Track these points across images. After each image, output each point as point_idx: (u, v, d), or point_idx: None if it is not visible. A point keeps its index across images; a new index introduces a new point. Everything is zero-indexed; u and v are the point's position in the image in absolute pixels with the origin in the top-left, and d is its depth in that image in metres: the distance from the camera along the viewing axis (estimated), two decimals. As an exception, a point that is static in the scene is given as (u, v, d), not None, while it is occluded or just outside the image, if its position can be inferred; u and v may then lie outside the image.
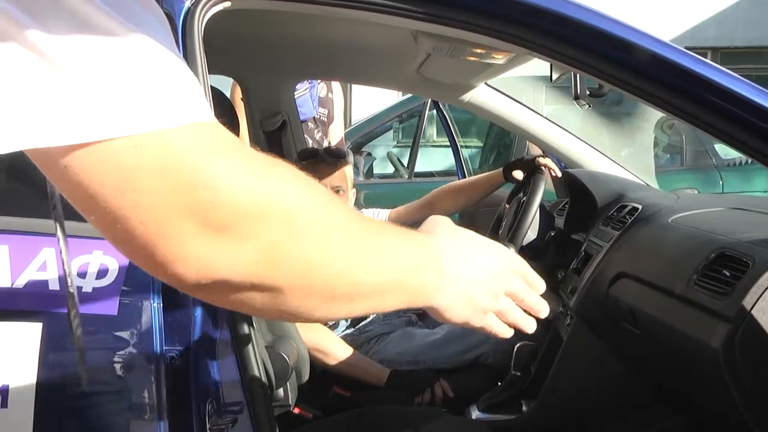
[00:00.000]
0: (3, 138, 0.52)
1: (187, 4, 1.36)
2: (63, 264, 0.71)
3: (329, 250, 0.63)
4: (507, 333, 0.88)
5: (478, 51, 2.14)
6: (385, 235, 0.73)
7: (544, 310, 0.89)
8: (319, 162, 2.59)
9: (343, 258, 0.65)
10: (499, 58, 2.24)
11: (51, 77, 0.53)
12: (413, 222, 2.88)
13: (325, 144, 4.11)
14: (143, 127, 0.54)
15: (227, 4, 1.44)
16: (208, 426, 1.16)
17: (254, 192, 0.58)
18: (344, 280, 0.65)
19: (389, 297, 0.72)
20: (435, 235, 0.81)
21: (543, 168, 2.51)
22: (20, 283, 1.12)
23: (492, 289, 0.83)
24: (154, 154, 0.55)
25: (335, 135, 4.35)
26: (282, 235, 0.60)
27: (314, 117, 4.11)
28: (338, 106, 4.37)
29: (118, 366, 1.17)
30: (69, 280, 0.75)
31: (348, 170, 2.64)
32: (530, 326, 0.89)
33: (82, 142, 0.53)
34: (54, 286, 1.13)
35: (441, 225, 0.85)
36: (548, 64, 1.86)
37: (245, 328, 1.29)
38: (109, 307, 1.16)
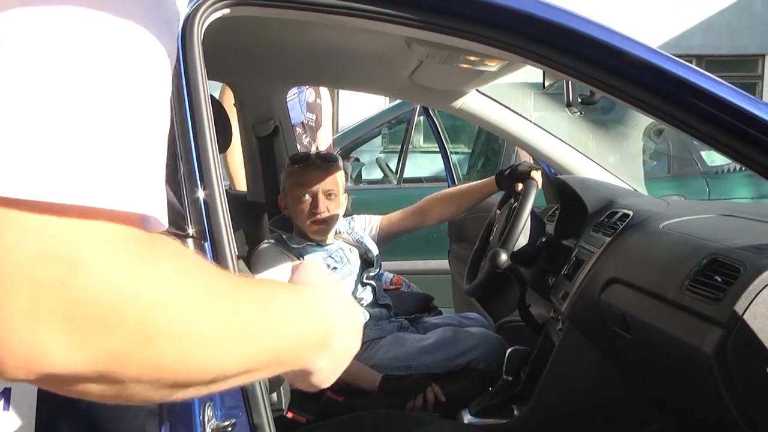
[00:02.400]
0: None
1: (187, 10, 1.37)
2: None
3: (194, 352, 0.53)
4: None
5: (471, 58, 2.16)
6: (271, 314, 0.62)
7: None
8: (310, 166, 2.60)
9: (211, 357, 0.55)
10: (492, 66, 2.26)
11: None
12: (405, 229, 2.89)
13: (314, 149, 4.11)
14: (53, 195, 0.46)
15: (226, 11, 1.45)
16: (207, 429, 1.16)
17: (118, 288, 0.48)
18: (207, 375, 0.56)
19: (262, 373, 0.63)
20: (319, 291, 0.72)
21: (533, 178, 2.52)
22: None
23: (355, 347, 0.77)
24: (35, 221, 0.46)
25: (324, 140, 4.36)
26: (137, 340, 0.50)
27: (302, 122, 4.11)
28: (326, 111, 4.38)
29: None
30: None
31: (339, 175, 2.65)
32: None
33: None
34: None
35: (317, 273, 0.75)
36: (539, 71, 1.88)
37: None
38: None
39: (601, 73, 1.52)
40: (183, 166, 1.25)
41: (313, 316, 0.68)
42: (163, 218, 0.52)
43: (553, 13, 1.51)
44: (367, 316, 2.53)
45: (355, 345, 0.77)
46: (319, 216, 2.55)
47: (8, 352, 0.47)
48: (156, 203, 0.51)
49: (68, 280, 0.46)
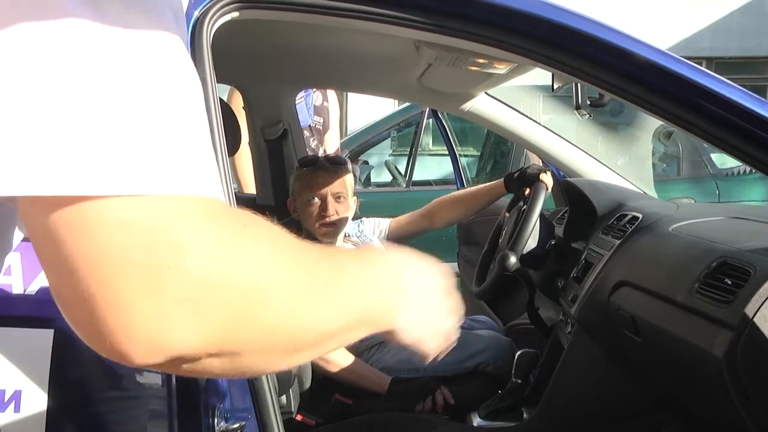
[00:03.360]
0: None
1: (196, 14, 1.38)
2: None
3: (296, 311, 0.58)
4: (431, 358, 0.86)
5: (480, 61, 2.16)
6: (350, 272, 0.68)
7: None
8: (318, 169, 2.60)
9: (310, 314, 0.60)
10: (501, 68, 2.26)
11: (45, 110, 0.47)
12: (413, 231, 2.89)
13: (321, 152, 4.12)
14: (136, 188, 0.48)
15: (235, 14, 1.45)
16: (217, 431, 1.17)
17: (220, 261, 0.51)
18: (311, 334, 0.61)
19: (355, 332, 0.68)
20: (394, 254, 0.78)
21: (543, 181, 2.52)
22: (32, 289, 1.13)
23: (444, 306, 0.82)
24: (129, 213, 0.48)
25: (331, 144, 4.37)
26: (246, 307, 0.54)
27: (310, 125, 4.12)
28: (334, 114, 4.38)
29: (129, 373, 1.18)
30: None
31: (348, 178, 2.65)
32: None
33: (66, 194, 0.47)
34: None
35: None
36: (548, 73, 1.88)
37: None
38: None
39: (610, 75, 1.52)
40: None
41: (384, 278, 0.73)
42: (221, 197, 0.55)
43: (560, 15, 1.51)
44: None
45: (437, 300, 0.81)
46: (328, 219, 2.55)
47: (134, 341, 0.50)
48: (218, 186, 0.54)
49: (172, 265, 0.49)
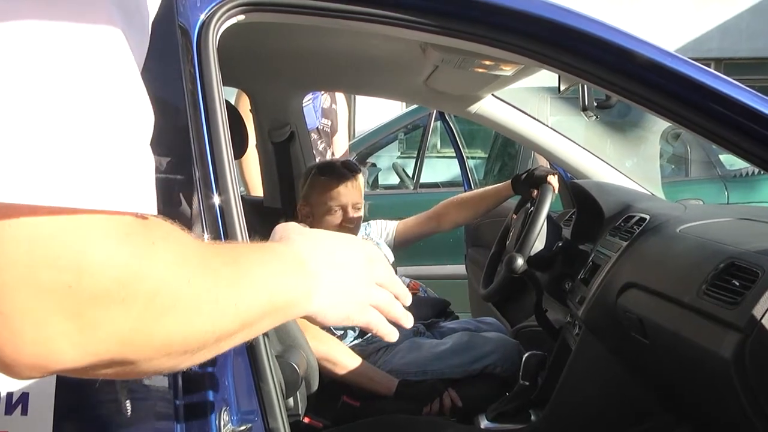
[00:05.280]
0: None
1: (202, 17, 1.38)
2: None
3: (197, 321, 0.57)
4: (393, 335, 0.86)
5: (487, 63, 2.16)
6: (248, 268, 0.66)
7: (407, 320, 0.87)
8: (339, 178, 2.59)
9: (211, 320, 0.59)
10: (507, 70, 2.26)
11: None
12: (421, 234, 2.89)
13: (329, 155, 4.12)
14: (44, 198, 0.47)
15: (241, 17, 1.46)
16: (223, 434, 1.17)
17: (121, 280, 0.50)
18: (210, 337, 0.59)
19: (262, 324, 0.67)
20: (292, 241, 0.76)
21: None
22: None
23: (364, 277, 0.81)
24: (34, 225, 0.47)
25: (340, 146, 4.36)
26: (143, 325, 0.52)
27: (317, 128, 4.11)
28: (342, 117, 4.37)
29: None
30: None
31: (362, 184, 2.68)
32: (408, 321, 0.87)
33: None
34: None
35: (293, 230, 0.80)
36: (555, 75, 1.87)
37: (259, 338, 1.30)
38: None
39: (616, 76, 1.52)
40: (198, 172, 1.26)
41: (287, 268, 0.72)
42: (153, 211, 0.54)
43: (566, 17, 1.51)
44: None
45: (355, 274, 0.80)
46: (348, 228, 2.56)
47: (20, 355, 0.48)
48: (147, 198, 0.53)
49: (74, 283, 0.48)
